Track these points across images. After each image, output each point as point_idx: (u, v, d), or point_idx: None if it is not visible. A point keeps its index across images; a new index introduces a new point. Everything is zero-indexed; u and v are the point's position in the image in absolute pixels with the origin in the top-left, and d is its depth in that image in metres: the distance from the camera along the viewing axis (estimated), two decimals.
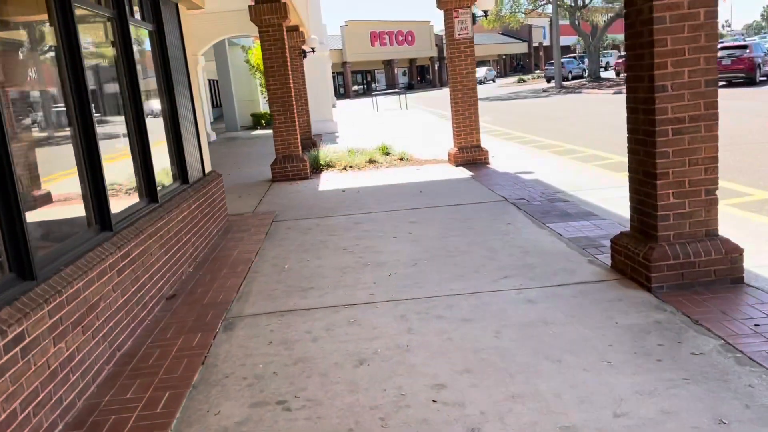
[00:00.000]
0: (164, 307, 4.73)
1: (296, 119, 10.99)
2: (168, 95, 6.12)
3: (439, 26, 65.71)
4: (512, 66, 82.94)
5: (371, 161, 11.80)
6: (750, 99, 18.57)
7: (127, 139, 5.07)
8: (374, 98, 33.05)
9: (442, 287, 4.66)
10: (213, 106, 33.79)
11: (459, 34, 10.73)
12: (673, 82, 4.10)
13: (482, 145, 11.15)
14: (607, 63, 55.33)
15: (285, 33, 10.74)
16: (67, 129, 3.99)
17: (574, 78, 45.68)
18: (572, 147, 12.62)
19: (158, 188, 5.40)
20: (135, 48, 5.45)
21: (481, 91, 46.94)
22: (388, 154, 12.65)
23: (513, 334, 3.73)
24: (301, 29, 15.37)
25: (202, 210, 6.41)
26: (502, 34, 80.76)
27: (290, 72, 10.88)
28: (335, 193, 9.29)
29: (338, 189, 9.58)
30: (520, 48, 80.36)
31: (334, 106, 34.84)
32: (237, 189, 10.37)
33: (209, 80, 32.11)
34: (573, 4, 37.95)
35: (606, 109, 20.79)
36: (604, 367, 3.22)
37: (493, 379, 3.20)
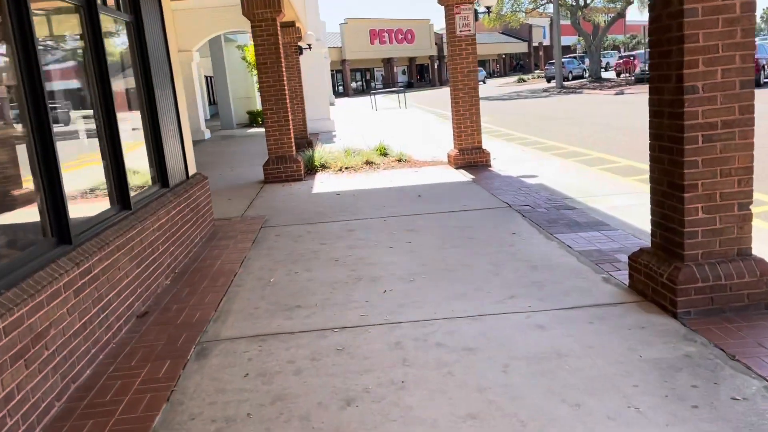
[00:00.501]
0: (133, 327, 4.26)
1: (290, 118, 10.52)
2: (147, 92, 5.65)
3: (439, 25, 65.22)
4: (512, 66, 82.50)
5: (368, 162, 11.34)
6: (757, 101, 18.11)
7: (97, 139, 4.60)
8: (373, 97, 32.58)
9: (442, 308, 4.20)
10: (210, 103, 33.30)
11: (461, 31, 10.26)
12: (705, 82, 3.64)
13: (483, 147, 10.69)
14: (608, 63, 54.93)
15: (279, 28, 10.26)
16: (20, 127, 3.52)
17: (574, 78, 45.23)
18: (576, 149, 12.17)
19: (132, 193, 4.93)
20: (110, 40, 4.99)
21: (481, 90, 46.31)
22: (385, 155, 12.18)
23: (523, 368, 3.27)
24: (297, 25, 14.90)
25: (184, 216, 5.94)
26: (502, 33, 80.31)
27: (284, 69, 10.42)
28: (330, 196, 8.82)
29: (333, 192, 9.11)
30: (520, 47, 79.91)
31: (331, 104, 34.37)
32: (227, 191, 9.90)
33: (206, 77, 31.63)
34: (574, 4, 37.49)
35: (609, 110, 20.35)
36: (631, 414, 2.76)
37: (501, 429, 2.74)
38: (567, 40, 68.25)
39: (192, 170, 6.82)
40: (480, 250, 5.51)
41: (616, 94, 28.33)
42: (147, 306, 4.66)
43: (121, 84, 5.37)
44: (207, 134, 19.99)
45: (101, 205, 4.54)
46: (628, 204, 7.08)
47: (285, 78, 10.47)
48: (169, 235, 5.41)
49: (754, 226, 3.85)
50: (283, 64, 10.40)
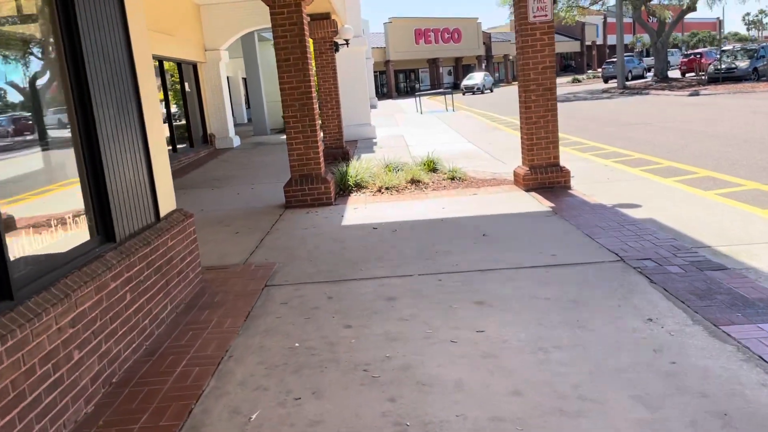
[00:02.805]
0: None
1: (318, 128, 8.48)
2: (79, 103, 3.66)
3: (487, 23, 62.56)
4: (561, 65, 79.02)
5: (414, 181, 9.20)
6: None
7: None
8: (418, 99, 30.41)
9: None
10: (248, 106, 31.70)
11: (534, 17, 8.03)
12: None
13: (561, 164, 8.42)
14: (668, 63, 51.24)
15: (305, 16, 8.24)
16: None
17: (634, 78, 42.03)
18: (673, 164, 9.74)
19: (21, 269, 2.95)
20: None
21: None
22: (435, 170, 10.03)
23: None
24: (333, 17, 12.89)
25: (138, 285, 3.93)
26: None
27: (311, 66, 8.39)
28: (364, 231, 6.72)
29: (369, 224, 7.01)
30: (572, 47, 76.38)
31: (373, 107, 32.39)
32: (237, 218, 7.92)
33: (243, 78, 30.02)
34: None
35: (692, 114, 17.63)
36: None
37: None
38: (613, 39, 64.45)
39: (168, 207, 4.82)
40: (606, 360, 3.31)
41: (690, 95, 25.40)
42: None
43: (29, 90, 3.40)
44: (236, 141, 18.22)
45: None
46: None
47: (312, 78, 8.44)
48: (102, 324, 3.41)
49: None
50: (310, 61, 8.37)
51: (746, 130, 13.17)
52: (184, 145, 15.60)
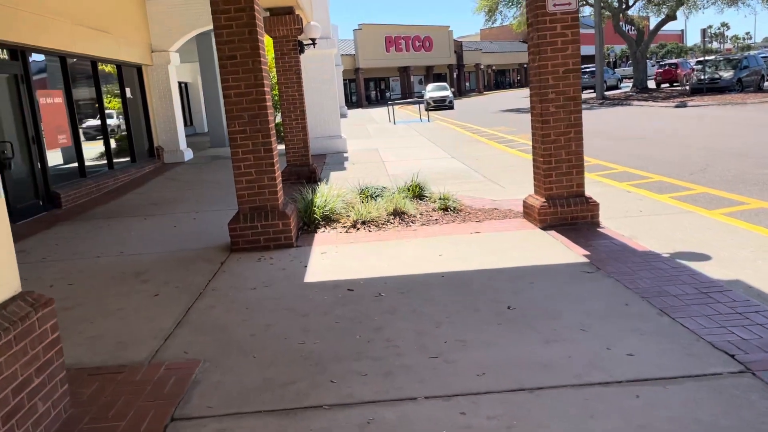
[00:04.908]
0: None
1: (274, 147, 6.50)
2: None
3: (458, 32, 61.32)
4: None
5: (397, 212, 7.29)
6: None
7: None
8: (390, 108, 28.57)
9: None
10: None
11: (554, 5, 6.24)
12: None
13: (587, 194, 6.62)
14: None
15: (256, 4, 6.30)
16: None
17: (609, 88, 40.96)
18: (708, 191, 8.05)
19: None
20: None
21: (508, 102, 41.47)
22: (421, 196, 8.15)
23: None
24: (297, 13, 10.96)
25: None
26: (523, 41, 76.29)
27: (265, 66, 6.43)
28: (335, 295, 4.77)
29: (342, 282, 5.06)
30: None
31: (343, 116, 30.47)
32: (163, 268, 5.88)
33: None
34: (617, 6, 33.37)
35: (691, 128, 16.13)
36: None
37: None
38: (590, 49, 63.93)
39: (2, 293, 2.80)
40: None
41: (677, 106, 24.13)
42: None
43: None
44: (188, 155, 16.06)
45: None
46: None
47: (268, 82, 6.48)
48: None
49: None
50: (264, 59, 6.42)
51: None
52: (125, 160, 13.41)
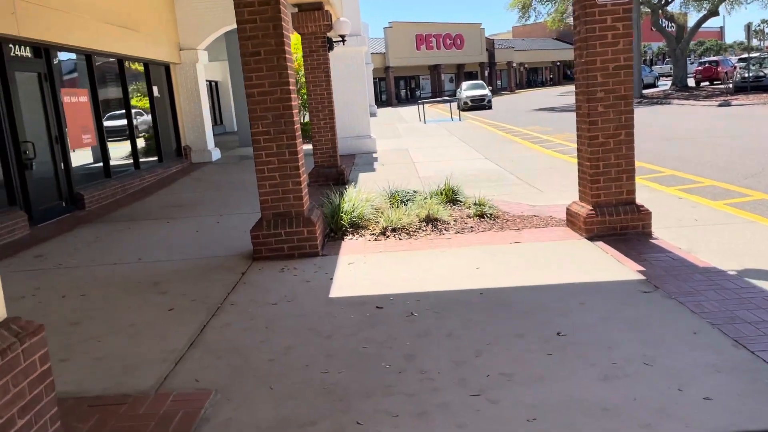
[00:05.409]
0: None
1: (300, 150, 6.10)
2: None
3: (490, 29, 60.42)
4: (564, 74, 76.86)
5: (430, 220, 6.83)
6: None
7: None
8: (421, 106, 28.04)
9: None
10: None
11: None
12: None
13: (638, 201, 6.06)
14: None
15: None
16: None
17: (645, 87, 39.75)
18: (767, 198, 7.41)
19: None
20: None
21: (541, 100, 40.32)
22: (455, 201, 7.68)
23: None
24: (326, 8, 10.56)
25: None
26: (556, 39, 74.80)
27: (291, 63, 6.04)
28: (363, 314, 4.34)
29: (370, 299, 4.63)
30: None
31: (373, 114, 30.07)
32: (181, 278, 5.54)
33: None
34: (657, 2, 32.25)
35: (739, 129, 15.27)
36: None
37: None
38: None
39: None
40: None
41: (720, 105, 23.12)
42: None
43: None
44: (216, 154, 15.85)
45: None
46: None
47: (293, 80, 6.09)
48: None
49: None
50: (290, 56, 6.03)
51: None
52: (151, 160, 13.21)
